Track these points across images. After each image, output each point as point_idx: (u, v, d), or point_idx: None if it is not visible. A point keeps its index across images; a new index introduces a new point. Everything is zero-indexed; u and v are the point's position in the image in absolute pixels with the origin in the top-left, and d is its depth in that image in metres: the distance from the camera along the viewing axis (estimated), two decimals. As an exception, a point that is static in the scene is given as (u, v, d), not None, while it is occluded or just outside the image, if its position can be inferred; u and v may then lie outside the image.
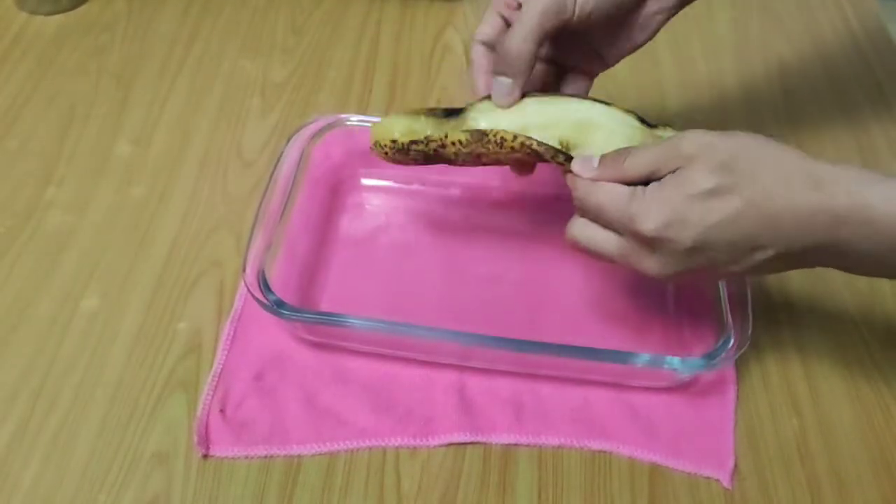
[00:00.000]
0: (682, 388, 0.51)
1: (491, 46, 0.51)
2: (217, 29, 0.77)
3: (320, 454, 0.48)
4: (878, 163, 0.67)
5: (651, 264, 0.43)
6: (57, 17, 0.77)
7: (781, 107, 0.72)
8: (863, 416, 0.51)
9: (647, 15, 0.50)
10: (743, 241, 0.41)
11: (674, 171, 0.42)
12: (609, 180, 0.44)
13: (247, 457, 0.48)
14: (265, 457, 0.48)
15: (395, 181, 0.63)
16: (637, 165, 0.43)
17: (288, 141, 0.58)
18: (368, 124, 0.60)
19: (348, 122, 0.60)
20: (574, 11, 0.46)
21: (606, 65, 0.53)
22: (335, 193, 0.62)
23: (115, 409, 0.49)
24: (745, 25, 0.81)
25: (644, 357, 0.49)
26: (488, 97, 0.49)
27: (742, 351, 0.48)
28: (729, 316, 0.50)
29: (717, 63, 0.75)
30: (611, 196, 0.43)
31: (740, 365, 0.53)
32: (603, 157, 0.45)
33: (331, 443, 0.48)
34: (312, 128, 0.59)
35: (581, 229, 0.46)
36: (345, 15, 0.80)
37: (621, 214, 0.42)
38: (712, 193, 0.40)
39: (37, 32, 0.76)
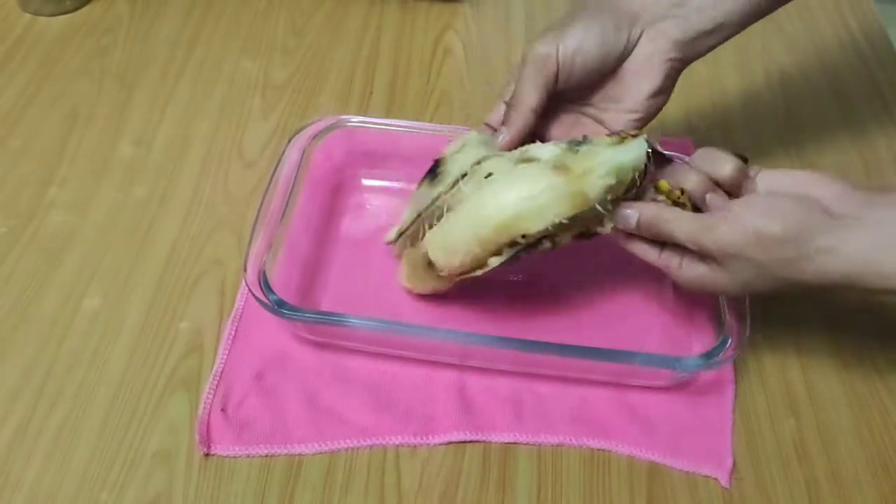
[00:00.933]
0: (680, 387, 0.52)
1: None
2: (218, 31, 0.78)
3: (321, 453, 0.48)
4: (879, 167, 0.67)
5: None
6: (60, 18, 0.78)
7: (782, 112, 0.72)
8: (860, 416, 0.51)
9: (637, 61, 0.51)
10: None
11: (707, 262, 0.45)
12: (646, 237, 0.48)
13: (248, 456, 0.48)
14: (266, 456, 0.48)
15: (396, 181, 0.63)
16: (674, 240, 0.46)
17: (289, 141, 0.58)
18: (369, 125, 0.61)
19: (349, 124, 0.61)
20: (556, 59, 0.49)
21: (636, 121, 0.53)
22: (336, 194, 0.62)
23: (117, 408, 0.50)
24: (745, 31, 0.81)
25: (643, 356, 0.49)
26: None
27: (740, 351, 0.48)
28: (727, 316, 0.50)
29: (717, 69, 0.75)
30: (648, 259, 0.48)
31: (738, 365, 0.53)
32: (641, 219, 0.47)
33: (331, 442, 0.49)
34: (313, 129, 0.60)
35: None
36: (345, 17, 0.80)
37: (664, 269, 0.48)
38: (740, 293, 0.47)
39: (40, 34, 0.76)
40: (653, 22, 0.50)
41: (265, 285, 0.50)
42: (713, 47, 0.52)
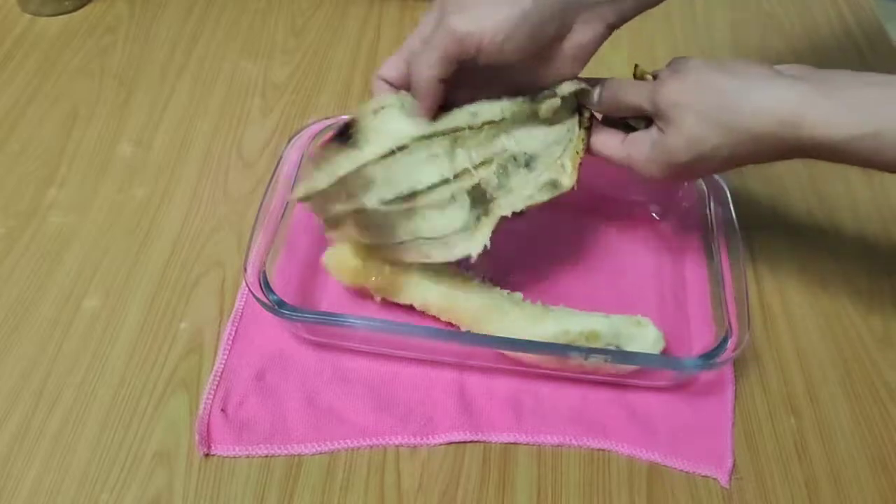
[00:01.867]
0: (680, 387, 0.52)
1: (391, 84, 0.51)
2: (218, 31, 0.78)
3: (321, 453, 0.48)
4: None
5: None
6: (59, 18, 0.78)
7: (780, 108, 0.72)
8: (860, 416, 0.51)
9: (572, 47, 0.48)
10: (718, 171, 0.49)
11: (659, 129, 0.47)
12: (610, 115, 0.51)
13: (248, 456, 0.48)
14: (266, 456, 0.48)
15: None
16: (631, 110, 0.49)
17: (289, 141, 0.58)
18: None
19: (349, 123, 0.61)
20: (481, 43, 0.45)
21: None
22: (336, 194, 0.62)
23: (117, 408, 0.50)
24: (743, 27, 0.81)
25: (643, 356, 0.49)
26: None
27: (740, 351, 0.48)
28: (728, 316, 0.50)
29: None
30: (615, 156, 0.51)
31: (739, 365, 0.53)
32: (603, 90, 0.50)
33: (331, 442, 0.49)
34: (313, 129, 0.60)
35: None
36: (345, 16, 0.80)
37: (631, 169, 0.50)
38: (693, 162, 0.46)
39: (40, 34, 0.76)
40: (591, 6, 0.47)
41: (265, 285, 0.50)
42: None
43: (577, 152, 0.51)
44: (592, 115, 0.52)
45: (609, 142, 0.51)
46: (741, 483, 0.48)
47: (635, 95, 0.48)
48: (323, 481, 0.47)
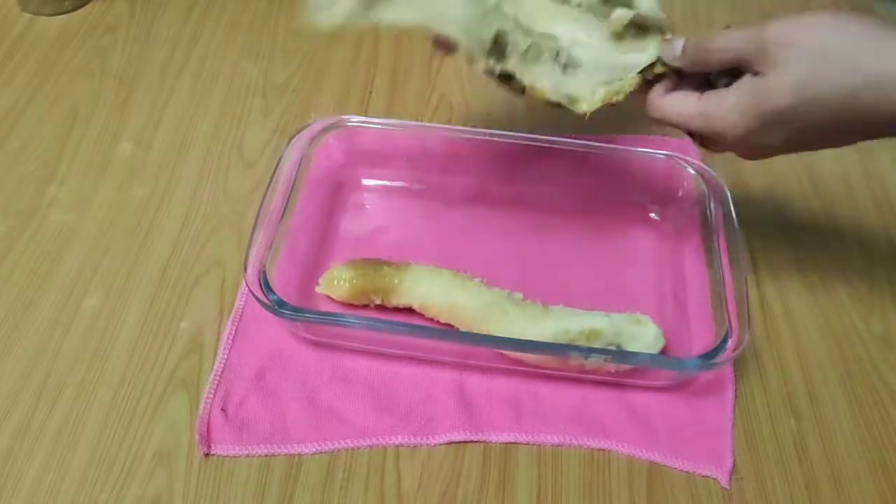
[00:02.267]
0: (680, 387, 0.52)
1: None
2: (218, 30, 0.78)
3: (321, 453, 0.48)
4: (875, 164, 0.67)
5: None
6: (60, 18, 0.78)
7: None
8: (860, 417, 0.51)
9: None
10: (815, 141, 0.45)
11: (754, 73, 0.43)
12: (693, 68, 0.47)
13: (248, 456, 0.48)
14: (266, 456, 0.48)
15: (396, 181, 0.63)
16: (716, 61, 0.45)
17: (289, 141, 0.58)
18: (369, 125, 0.61)
19: (349, 124, 0.61)
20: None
21: None
22: (336, 194, 0.62)
23: (117, 408, 0.50)
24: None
25: (643, 356, 0.49)
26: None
27: (741, 351, 0.48)
28: (728, 316, 0.50)
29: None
30: (686, 115, 0.46)
31: (739, 365, 0.53)
32: (688, 41, 0.46)
33: (331, 442, 0.49)
34: (313, 129, 0.60)
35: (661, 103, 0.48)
36: (345, 16, 0.80)
37: (706, 131, 0.46)
38: (790, 113, 0.42)
39: (39, 33, 0.76)
40: None
41: (265, 285, 0.50)
42: None
43: (618, 91, 0.48)
44: (660, 75, 0.48)
45: (682, 100, 0.47)
46: (741, 483, 0.48)
47: (732, 39, 0.44)
48: (323, 481, 0.47)
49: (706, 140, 0.48)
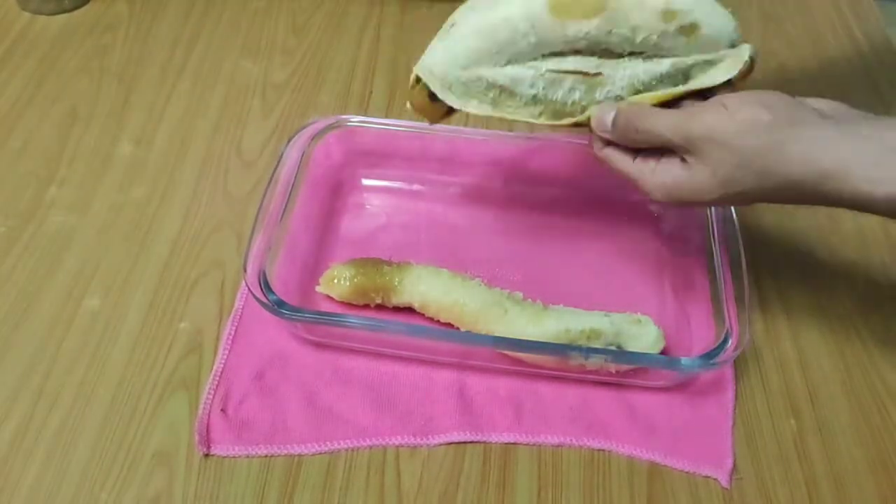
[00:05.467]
0: (681, 387, 0.52)
1: None
2: (218, 30, 0.78)
3: (321, 453, 0.48)
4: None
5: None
6: (59, 17, 0.78)
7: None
8: (860, 417, 0.51)
9: None
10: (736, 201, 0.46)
11: (681, 159, 0.45)
12: (621, 142, 0.48)
13: (248, 456, 0.48)
14: (266, 456, 0.48)
15: (396, 181, 0.63)
16: (644, 141, 0.46)
17: (288, 141, 0.58)
18: (369, 125, 0.61)
19: (349, 123, 0.61)
20: None
21: None
22: (335, 193, 0.62)
23: (117, 408, 0.50)
24: (745, 28, 0.81)
25: (643, 356, 0.49)
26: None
27: (741, 351, 0.48)
28: (728, 316, 0.50)
29: (716, 65, 0.75)
30: (624, 170, 0.48)
31: (739, 365, 0.53)
32: (618, 117, 0.47)
33: (331, 442, 0.49)
34: (313, 128, 0.60)
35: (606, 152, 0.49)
36: (345, 16, 0.80)
37: (638, 187, 0.47)
38: (715, 202, 0.45)
39: (39, 33, 0.76)
40: None
41: (265, 285, 0.50)
42: None
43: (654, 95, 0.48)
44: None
45: (619, 159, 0.48)
46: (741, 483, 0.48)
47: (663, 124, 0.45)
48: (323, 481, 0.47)
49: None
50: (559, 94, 0.49)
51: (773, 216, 0.63)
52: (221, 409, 0.49)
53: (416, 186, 0.63)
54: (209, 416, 0.49)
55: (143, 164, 0.64)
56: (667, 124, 0.45)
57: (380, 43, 0.77)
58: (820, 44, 0.79)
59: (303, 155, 0.58)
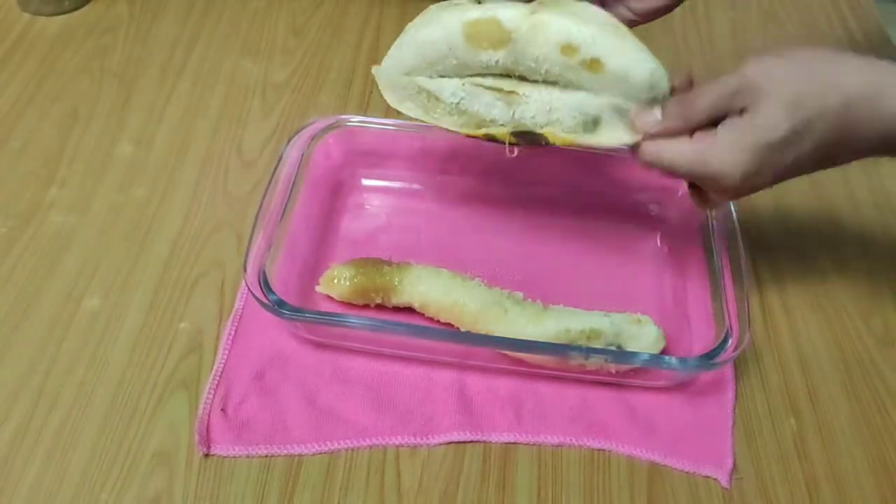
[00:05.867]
0: (681, 387, 0.52)
1: None
2: (218, 30, 0.78)
3: (321, 453, 0.48)
4: (875, 164, 0.67)
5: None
6: (59, 18, 0.78)
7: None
8: (860, 417, 0.51)
9: None
10: (802, 169, 0.45)
11: (741, 112, 0.43)
12: (675, 132, 0.45)
13: (248, 456, 0.48)
14: (266, 456, 0.48)
15: (396, 181, 0.63)
16: (702, 111, 0.44)
17: (288, 141, 0.58)
18: (369, 125, 0.61)
19: (348, 123, 0.61)
20: None
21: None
22: (335, 194, 0.62)
23: (117, 408, 0.50)
24: (744, 27, 0.81)
25: (643, 356, 0.49)
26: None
27: (741, 351, 0.48)
28: (728, 316, 0.50)
29: (715, 64, 0.75)
30: (681, 159, 0.45)
31: (739, 365, 0.53)
32: (665, 107, 0.46)
33: (331, 442, 0.49)
34: (313, 128, 0.60)
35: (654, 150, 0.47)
36: (345, 16, 0.80)
37: (701, 174, 0.45)
38: (786, 142, 0.43)
39: (39, 33, 0.76)
40: None
41: (265, 285, 0.50)
42: None
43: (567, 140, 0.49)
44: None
45: (675, 143, 0.45)
46: (741, 483, 0.48)
47: (715, 93, 0.44)
48: (323, 481, 0.47)
49: (699, 191, 0.48)
50: (478, 107, 0.50)
51: (773, 216, 0.63)
52: (221, 409, 0.49)
53: (416, 186, 0.63)
54: (209, 416, 0.49)
55: (143, 165, 0.64)
56: (721, 87, 0.44)
57: (380, 43, 0.77)
58: (819, 43, 0.79)
59: (303, 155, 0.58)
